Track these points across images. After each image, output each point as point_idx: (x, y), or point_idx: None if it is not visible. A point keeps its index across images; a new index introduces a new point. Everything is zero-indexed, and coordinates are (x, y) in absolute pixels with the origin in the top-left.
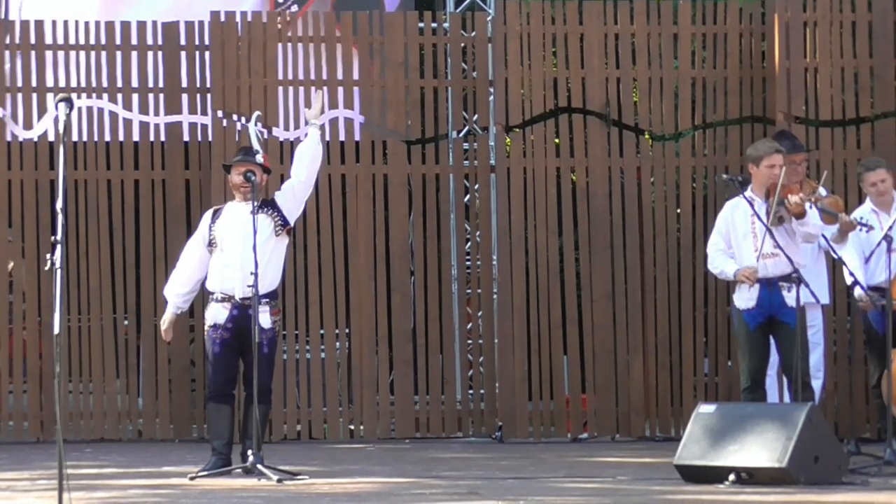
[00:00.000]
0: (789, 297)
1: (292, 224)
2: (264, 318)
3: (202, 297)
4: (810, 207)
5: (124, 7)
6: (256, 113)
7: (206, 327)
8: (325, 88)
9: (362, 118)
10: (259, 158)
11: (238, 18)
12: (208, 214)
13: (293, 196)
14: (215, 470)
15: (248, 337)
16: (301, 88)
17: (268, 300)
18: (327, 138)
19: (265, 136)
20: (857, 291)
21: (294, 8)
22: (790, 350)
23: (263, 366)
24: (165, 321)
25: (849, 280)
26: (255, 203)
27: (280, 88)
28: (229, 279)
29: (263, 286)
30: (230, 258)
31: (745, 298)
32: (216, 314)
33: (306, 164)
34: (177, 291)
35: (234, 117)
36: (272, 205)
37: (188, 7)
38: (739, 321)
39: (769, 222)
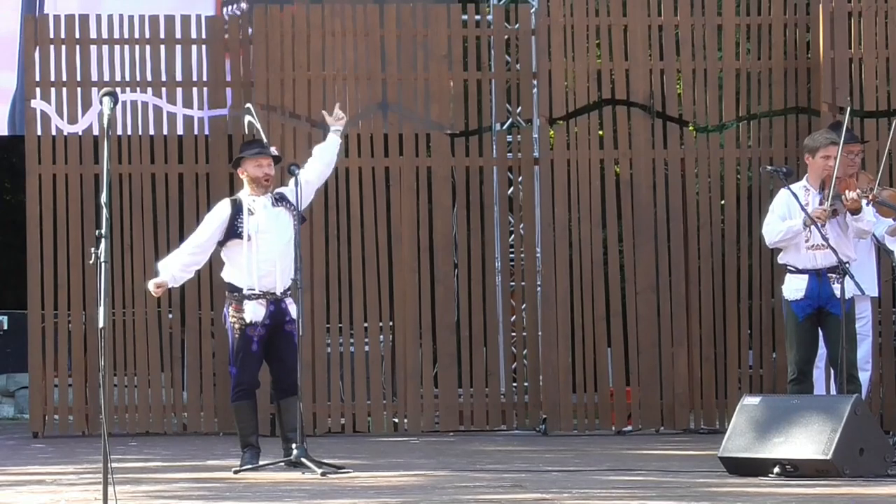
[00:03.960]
0: (838, 289)
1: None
2: (293, 308)
3: (220, 295)
4: (867, 204)
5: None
6: (247, 105)
7: (238, 326)
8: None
9: (406, 111)
10: (273, 151)
11: (281, 11)
12: (227, 205)
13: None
14: (259, 464)
15: (280, 330)
16: (345, 81)
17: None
18: (370, 131)
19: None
20: None
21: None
22: (837, 341)
23: (294, 355)
24: (159, 285)
25: None
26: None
27: (323, 82)
28: (268, 275)
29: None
30: (268, 254)
31: (793, 289)
32: (254, 312)
33: (320, 167)
34: (174, 273)
35: (278, 111)
36: (284, 198)
37: None
38: (788, 312)
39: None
